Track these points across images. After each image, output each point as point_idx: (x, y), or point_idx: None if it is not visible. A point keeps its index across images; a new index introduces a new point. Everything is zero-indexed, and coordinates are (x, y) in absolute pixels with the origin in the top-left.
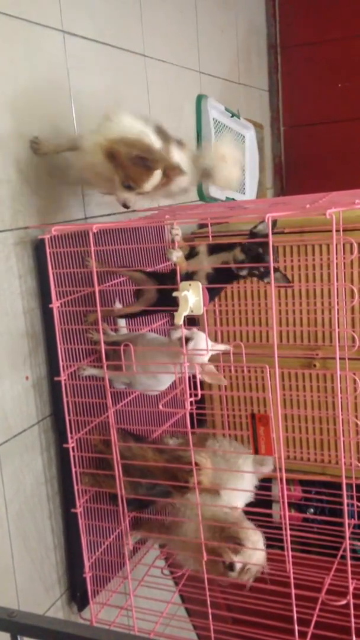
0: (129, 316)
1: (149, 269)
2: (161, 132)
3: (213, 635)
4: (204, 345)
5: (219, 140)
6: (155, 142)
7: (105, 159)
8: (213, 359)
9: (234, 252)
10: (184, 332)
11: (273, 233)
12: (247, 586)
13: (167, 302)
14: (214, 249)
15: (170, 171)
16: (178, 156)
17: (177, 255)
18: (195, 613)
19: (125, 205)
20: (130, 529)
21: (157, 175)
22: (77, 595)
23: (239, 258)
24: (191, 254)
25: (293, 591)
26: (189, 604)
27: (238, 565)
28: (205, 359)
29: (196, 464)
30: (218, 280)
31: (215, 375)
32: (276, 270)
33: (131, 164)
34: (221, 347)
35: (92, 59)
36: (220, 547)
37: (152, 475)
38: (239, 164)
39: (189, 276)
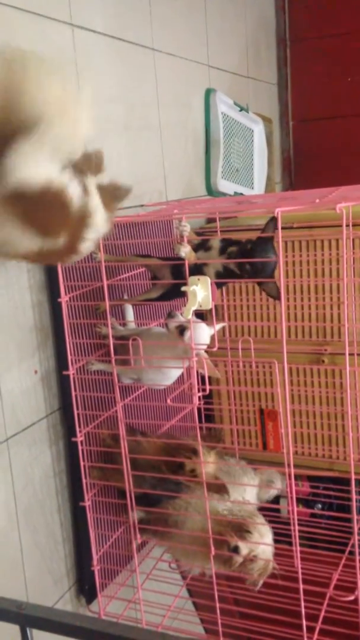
0: (146, 301)
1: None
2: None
3: (221, 629)
4: (202, 334)
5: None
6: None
7: None
8: (219, 355)
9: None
10: (181, 321)
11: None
12: (257, 585)
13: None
14: (225, 249)
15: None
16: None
17: (185, 251)
18: (202, 607)
19: None
20: (136, 534)
21: None
22: (86, 588)
23: (230, 251)
24: (204, 247)
25: (301, 586)
26: (196, 597)
27: (244, 551)
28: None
29: (194, 452)
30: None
31: (210, 367)
32: (272, 282)
33: None
34: (219, 326)
35: (101, 53)
36: (225, 531)
37: (154, 469)
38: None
39: (199, 268)
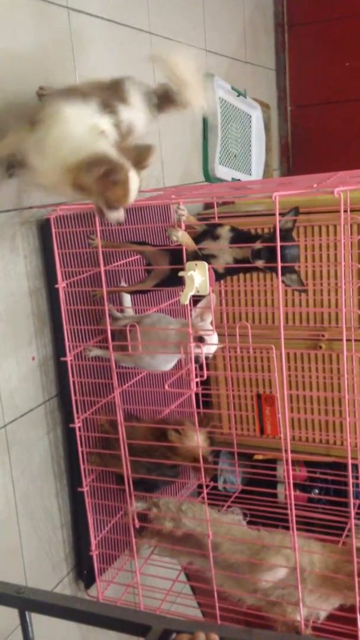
0: (140, 292)
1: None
2: (107, 104)
3: (218, 612)
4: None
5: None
6: (107, 139)
7: (74, 191)
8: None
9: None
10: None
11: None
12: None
13: (179, 277)
14: (237, 239)
15: (142, 159)
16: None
17: (177, 235)
18: (200, 591)
19: (119, 223)
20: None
21: (134, 178)
22: (84, 572)
23: (256, 247)
24: (211, 235)
25: (298, 570)
26: (194, 582)
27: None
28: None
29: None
30: (235, 271)
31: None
32: (294, 272)
33: (103, 188)
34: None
35: (98, 37)
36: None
37: (148, 453)
38: (197, 74)
39: (206, 258)
